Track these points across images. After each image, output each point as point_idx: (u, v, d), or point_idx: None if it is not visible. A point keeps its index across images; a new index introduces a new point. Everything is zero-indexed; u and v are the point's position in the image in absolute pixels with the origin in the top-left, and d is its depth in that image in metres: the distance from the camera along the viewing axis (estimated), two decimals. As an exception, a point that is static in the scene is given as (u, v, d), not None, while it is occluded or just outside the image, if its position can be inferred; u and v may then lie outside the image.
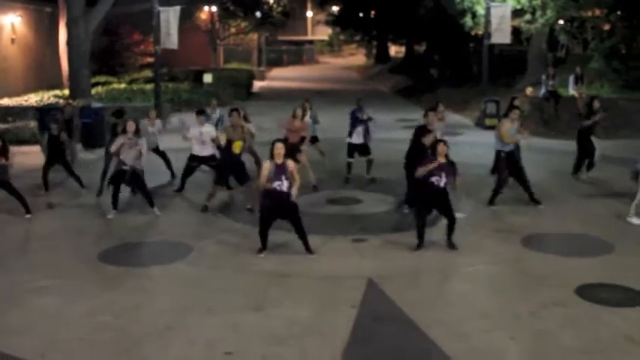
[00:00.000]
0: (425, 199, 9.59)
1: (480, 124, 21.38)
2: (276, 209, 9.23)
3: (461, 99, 27.28)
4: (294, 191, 9.16)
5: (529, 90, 19.36)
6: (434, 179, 9.38)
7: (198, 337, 6.96)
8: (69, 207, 12.09)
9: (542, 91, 21.14)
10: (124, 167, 11.18)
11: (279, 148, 9.12)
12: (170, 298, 8.05)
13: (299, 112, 12.95)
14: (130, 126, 11.28)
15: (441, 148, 9.46)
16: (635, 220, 10.69)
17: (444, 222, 9.85)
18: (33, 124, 18.57)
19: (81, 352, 6.66)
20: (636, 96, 21.02)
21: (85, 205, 12.13)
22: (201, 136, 12.38)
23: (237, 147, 11.36)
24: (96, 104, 19.18)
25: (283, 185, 9.08)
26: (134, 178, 11.32)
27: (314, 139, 14.22)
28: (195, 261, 9.29)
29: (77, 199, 12.58)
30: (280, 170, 9.08)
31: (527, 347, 6.74)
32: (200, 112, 12.78)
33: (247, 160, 12.43)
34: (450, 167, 9.47)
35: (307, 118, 13.90)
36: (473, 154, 14.93)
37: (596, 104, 13.65)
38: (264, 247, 9.39)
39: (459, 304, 7.88)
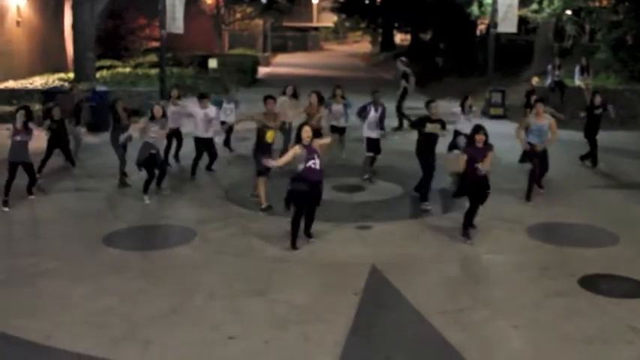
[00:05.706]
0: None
1: (485, 113, 21.31)
2: (311, 192, 9.07)
3: (466, 88, 27.17)
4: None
5: (535, 79, 19.30)
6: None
7: (201, 320, 6.99)
8: (72, 191, 12.11)
9: (548, 81, 21.10)
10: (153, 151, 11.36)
11: (307, 130, 9.16)
12: (174, 282, 8.08)
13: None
14: (158, 111, 11.50)
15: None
16: None
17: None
18: (38, 106, 18.56)
19: (86, 334, 6.68)
20: (643, 87, 20.95)
21: (88, 189, 12.14)
22: (205, 117, 12.73)
23: (270, 136, 10.91)
24: (100, 87, 19.18)
25: (317, 164, 9.04)
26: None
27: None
28: (199, 245, 9.32)
29: (80, 182, 12.59)
30: (311, 150, 9.08)
31: (529, 336, 6.75)
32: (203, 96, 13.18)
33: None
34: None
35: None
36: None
37: (597, 99, 13.74)
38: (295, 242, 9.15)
39: (461, 292, 7.89)
